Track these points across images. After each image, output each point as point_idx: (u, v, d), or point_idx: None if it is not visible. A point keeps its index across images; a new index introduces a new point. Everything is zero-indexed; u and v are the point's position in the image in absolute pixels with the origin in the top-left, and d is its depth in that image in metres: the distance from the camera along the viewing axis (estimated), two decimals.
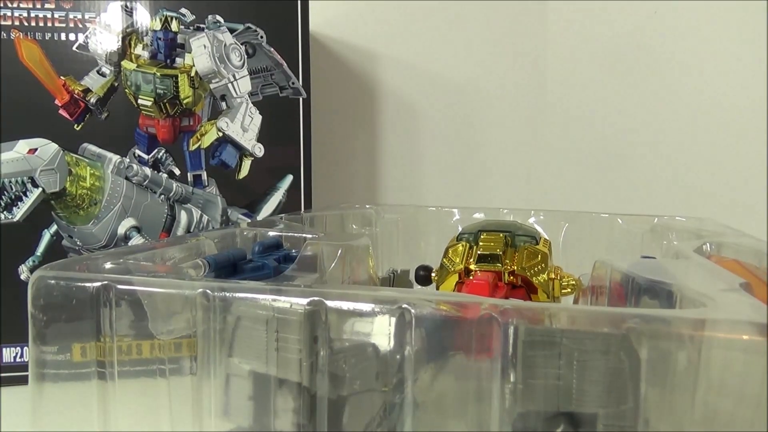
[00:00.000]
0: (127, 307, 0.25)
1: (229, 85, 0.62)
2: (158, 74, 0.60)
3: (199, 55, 0.61)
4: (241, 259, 0.37)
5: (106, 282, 0.25)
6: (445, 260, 0.44)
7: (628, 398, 0.22)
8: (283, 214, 0.60)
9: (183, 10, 0.61)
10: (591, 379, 0.22)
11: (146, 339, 0.26)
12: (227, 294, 0.24)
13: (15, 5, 0.57)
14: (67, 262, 0.28)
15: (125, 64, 0.60)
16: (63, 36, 0.58)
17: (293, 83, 0.63)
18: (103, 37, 0.59)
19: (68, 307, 0.25)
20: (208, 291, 0.24)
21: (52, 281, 0.25)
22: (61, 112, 0.59)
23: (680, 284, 0.28)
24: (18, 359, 0.59)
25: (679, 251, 0.38)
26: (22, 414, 0.46)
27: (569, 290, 0.43)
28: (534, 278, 0.41)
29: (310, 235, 0.41)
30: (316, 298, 0.24)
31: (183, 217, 0.62)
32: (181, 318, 0.25)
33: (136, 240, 0.61)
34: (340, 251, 0.37)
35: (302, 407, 0.25)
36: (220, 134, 0.62)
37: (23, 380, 0.59)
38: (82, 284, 0.25)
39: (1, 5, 0.57)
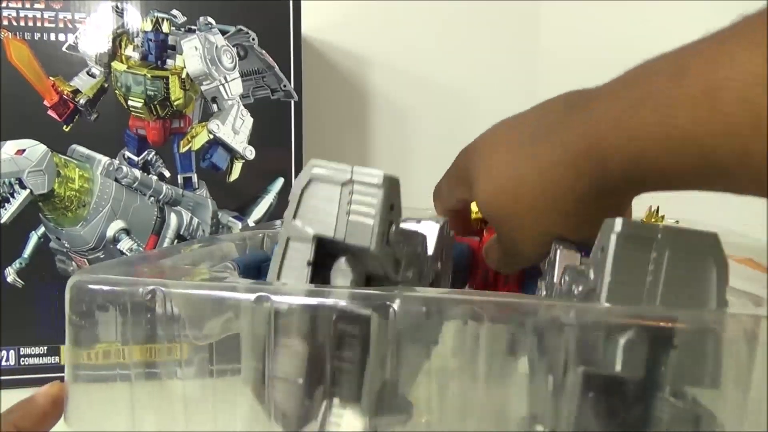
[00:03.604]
0: (173, 310, 0.25)
1: (221, 87, 0.62)
2: (149, 76, 0.60)
3: (190, 56, 0.61)
4: (265, 261, 0.36)
5: (153, 287, 0.24)
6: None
7: (711, 302, 0.22)
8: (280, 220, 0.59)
9: (174, 12, 0.60)
10: (678, 278, 0.22)
11: (191, 342, 0.26)
12: (277, 297, 0.24)
13: (4, 5, 0.57)
14: (100, 266, 0.28)
15: (115, 65, 0.60)
16: (52, 36, 0.58)
17: (285, 86, 0.63)
18: (93, 37, 0.59)
19: (112, 312, 0.25)
20: (264, 294, 0.23)
21: (94, 286, 0.25)
22: (50, 112, 0.58)
23: None
24: (4, 363, 0.58)
25: None
26: None
27: None
28: None
29: None
30: (394, 176, 0.25)
31: (173, 219, 0.62)
32: (217, 322, 0.24)
33: (125, 242, 0.60)
34: None
35: (359, 278, 0.25)
36: (211, 136, 0.62)
37: (7, 384, 0.58)
38: (129, 288, 0.25)
39: None
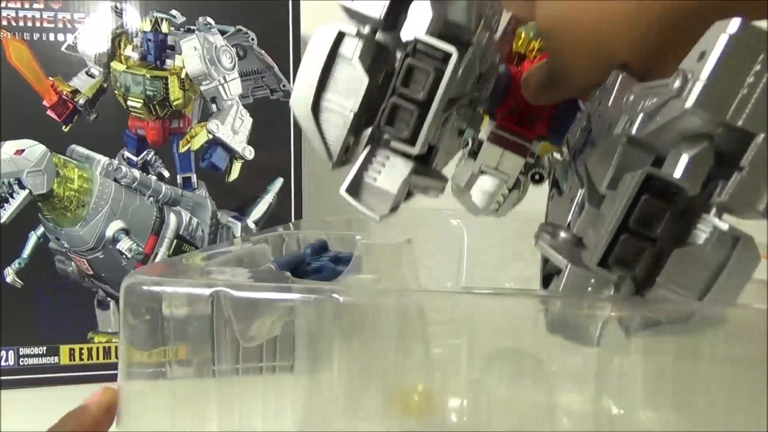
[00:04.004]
0: (232, 313, 0.25)
1: (220, 87, 0.62)
2: (148, 76, 0.60)
3: (190, 56, 0.61)
4: (301, 262, 0.37)
5: (218, 289, 0.24)
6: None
7: None
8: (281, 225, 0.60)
9: (173, 12, 0.60)
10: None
11: (243, 343, 0.26)
12: (341, 297, 0.24)
13: (3, 5, 0.56)
14: (152, 267, 0.28)
15: (114, 65, 0.59)
16: (52, 36, 0.58)
17: (284, 86, 0.63)
18: (92, 38, 0.59)
19: (167, 313, 0.25)
20: (335, 295, 0.23)
21: (149, 288, 0.25)
22: (50, 113, 0.58)
23: None
24: (3, 363, 0.58)
25: None
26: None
27: None
28: None
29: (359, 236, 0.42)
30: None
31: (172, 219, 0.62)
32: (266, 323, 0.25)
33: (125, 242, 0.60)
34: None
35: (437, 21, 0.23)
36: (210, 136, 0.62)
37: (7, 384, 0.58)
38: (187, 290, 0.25)
39: None
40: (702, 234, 0.22)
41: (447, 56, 0.21)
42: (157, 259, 0.61)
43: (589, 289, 0.23)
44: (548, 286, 0.30)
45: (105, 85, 0.59)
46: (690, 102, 0.21)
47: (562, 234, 0.25)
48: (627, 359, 0.23)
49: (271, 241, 0.39)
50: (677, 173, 0.22)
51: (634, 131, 0.24)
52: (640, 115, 0.23)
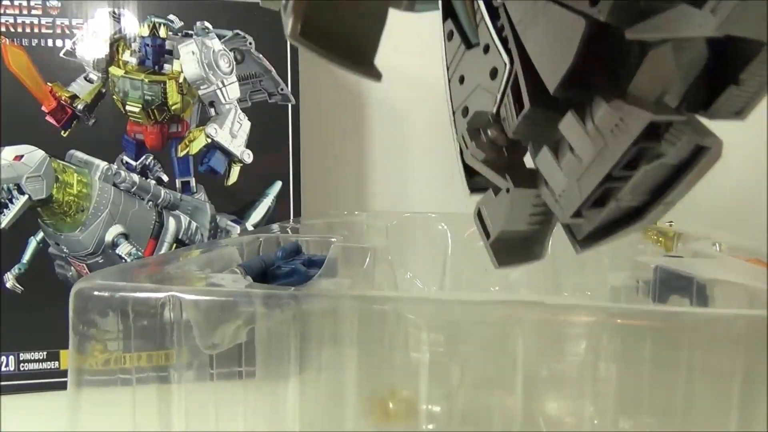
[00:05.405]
0: (185, 317, 0.24)
1: (218, 92, 0.62)
2: (146, 80, 0.60)
3: (188, 61, 0.61)
4: (271, 266, 0.37)
5: (171, 294, 0.24)
6: None
7: None
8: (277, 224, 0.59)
9: (171, 17, 0.60)
10: None
11: (202, 350, 0.26)
12: (300, 302, 0.23)
13: (1, 11, 0.57)
14: (102, 273, 0.28)
15: (113, 70, 0.60)
16: (50, 42, 0.58)
17: (282, 89, 0.63)
18: (90, 43, 0.59)
19: (117, 319, 0.25)
20: (293, 300, 0.23)
21: (99, 293, 0.25)
22: (48, 118, 0.58)
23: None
24: (3, 368, 0.58)
25: (699, 251, 0.38)
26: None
27: None
28: None
29: (334, 238, 0.41)
30: None
31: (171, 223, 0.62)
32: (228, 329, 0.24)
33: (124, 247, 0.61)
34: (369, 254, 0.37)
35: None
36: (209, 140, 0.62)
37: (7, 390, 0.58)
38: (137, 295, 0.24)
39: None
40: (671, 148, 0.17)
41: None
42: None
43: (533, 206, 0.20)
44: (476, 189, 0.24)
45: (103, 90, 0.60)
46: (715, 24, 0.14)
47: (491, 132, 0.20)
48: (609, 366, 0.23)
49: (246, 243, 0.39)
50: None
51: (605, 16, 0.16)
52: None
